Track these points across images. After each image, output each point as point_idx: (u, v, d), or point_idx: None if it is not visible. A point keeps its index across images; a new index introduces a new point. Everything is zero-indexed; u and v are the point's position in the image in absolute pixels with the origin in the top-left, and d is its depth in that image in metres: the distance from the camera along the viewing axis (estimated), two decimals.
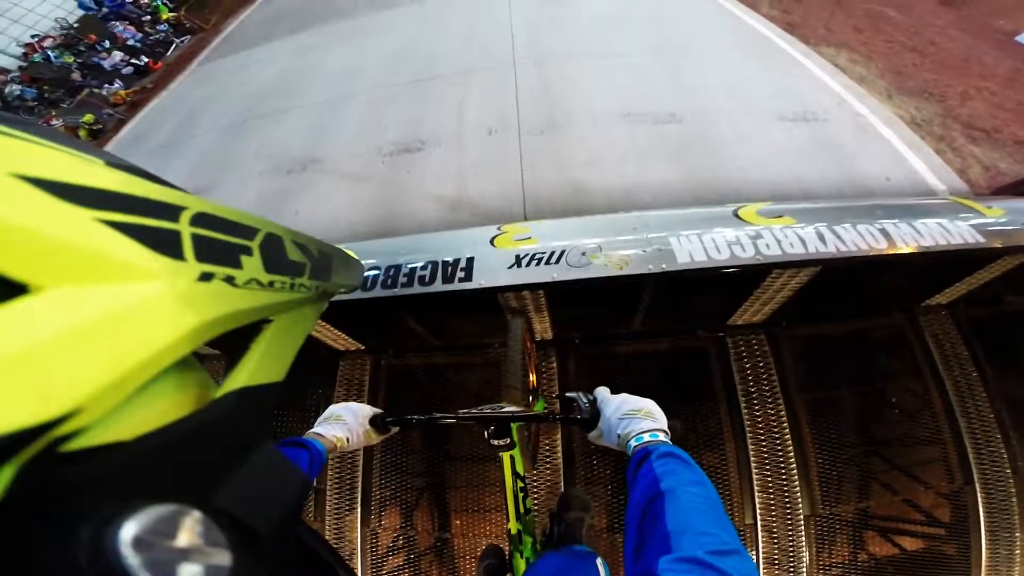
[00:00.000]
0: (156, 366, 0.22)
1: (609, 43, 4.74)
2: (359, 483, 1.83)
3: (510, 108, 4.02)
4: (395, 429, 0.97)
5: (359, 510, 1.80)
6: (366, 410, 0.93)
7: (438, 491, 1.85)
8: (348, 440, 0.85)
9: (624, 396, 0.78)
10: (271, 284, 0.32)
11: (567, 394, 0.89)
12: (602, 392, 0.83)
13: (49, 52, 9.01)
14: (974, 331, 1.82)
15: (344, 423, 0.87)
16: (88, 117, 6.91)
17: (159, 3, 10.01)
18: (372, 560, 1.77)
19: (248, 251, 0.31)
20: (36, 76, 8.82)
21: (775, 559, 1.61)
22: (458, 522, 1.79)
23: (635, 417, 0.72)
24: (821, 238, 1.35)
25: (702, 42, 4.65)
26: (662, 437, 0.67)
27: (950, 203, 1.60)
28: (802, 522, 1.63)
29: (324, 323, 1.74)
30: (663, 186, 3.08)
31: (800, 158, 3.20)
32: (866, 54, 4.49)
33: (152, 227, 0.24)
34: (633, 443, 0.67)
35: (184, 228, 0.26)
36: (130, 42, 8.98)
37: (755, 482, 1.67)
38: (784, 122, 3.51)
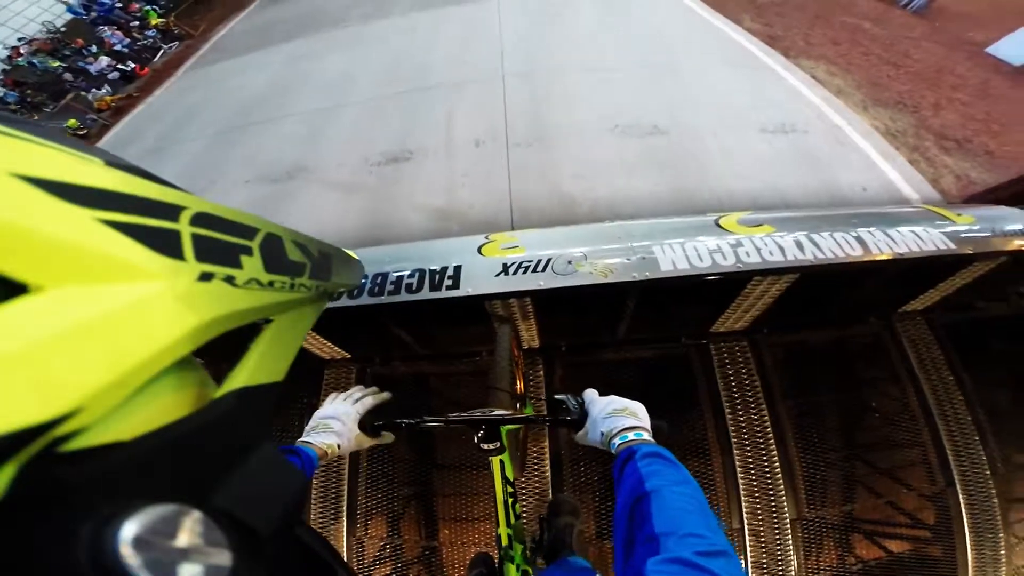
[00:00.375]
0: (156, 366, 0.22)
1: (596, 57, 4.85)
2: (344, 492, 1.80)
3: (499, 120, 4.07)
4: (387, 435, 0.96)
5: (344, 520, 1.77)
6: (354, 415, 0.92)
7: (425, 500, 1.83)
8: (339, 446, 0.85)
9: (611, 397, 0.80)
10: (271, 284, 0.32)
11: (556, 396, 0.91)
12: (590, 393, 0.85)
13: (32, 59, 8.86)
14: (949, 336, 1.88)
15: (333, 431, 0.86)
16: (72, 122, 6.83)
17: (148, 8, 9.95)
18: (358, 570, 1.74)
19: (248, 251, 0.31)
20: (20, 80, 8.68)
21: (763, 563, 1.62)
22: (446, 531, 1.77)
23: (619, 415, 0.73)
24: (799, 246, 1.38)
25: (687, 56, 4.78)
26: (645, 436, 0.68)
27: (923, 211, 1.64)
28: (788, 526, 1.64)
29: (309, 331, 1.73)
30: (648, 197, 3.15)
31: (780, 169, 3.30)
32: (844, 66, 4.64)
33: (152, 227, 0.24)
34: (617, 441, 0.68)
35: (184, 228, 0.26)
36: (117, 47, 8.90)
37: (741, 487, 1.68)
38: (765, 134, 3.61)
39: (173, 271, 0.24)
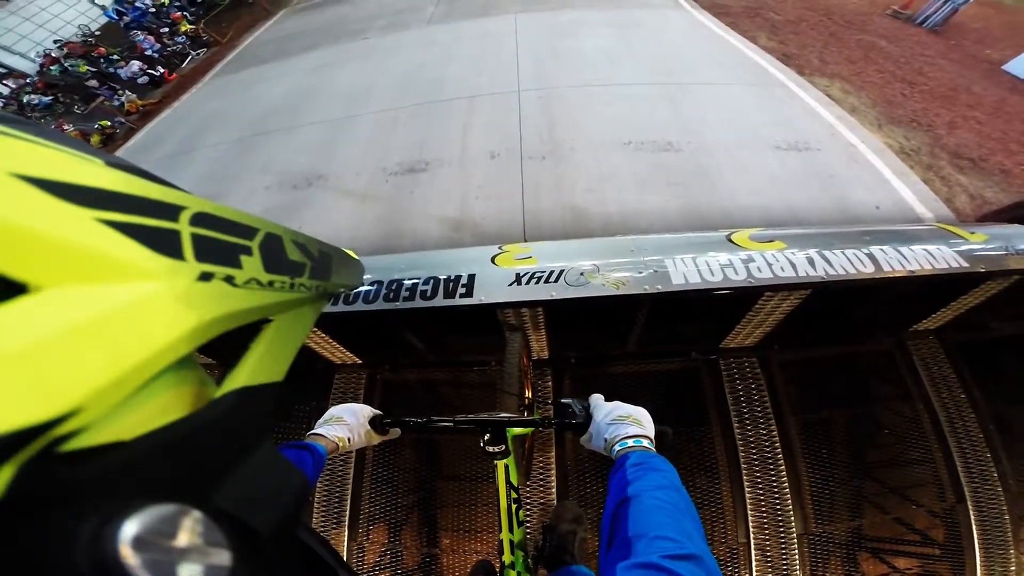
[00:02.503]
0: (156, 366, 0.22)
1: (611, 73, 4.90)
2: (348, 497, 1.81)
3: (513, 134, 4.13)
4: (394, 431, 1.00)
5: (347, 525, 1.78)
6: (366, 411, 0.96)
7: (428, 509, 1.83)
8: (349, 440, 0.88)
9: (616, 403, 0.82)
10: (271, 284, 0.32)
11: (562, 400, 0.93)
12: (596, 398, 0.87)
13: (65, 63, 9.21)
14: (962, 355, 1.87)
15: (345, 424, 0.89)
16: (104, 122, 7.06)
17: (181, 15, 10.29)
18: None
19: (248, 251, 0.31)
20: (51, 83, 9.03)
21: None
22: (447, 541, 1.77)
23: (623, 423, 0.75)
24: (811, 262, 1.38)
25: (701, 73, 4.81)
26: (646, 444, 0.70)
27: (935, 229, 1.63)
28: (795, 541, 1.63)
29: (322, 335, 1.76)
30: (660, 213, 3.16)
31: (793, 187, 3.30)
32: (858, 84, 4.63)
33: (151, 227, 0.24)
34: (617, 448, 0.70)
35: (184, 228, 0.26)
36: (148, 52, 9.19)
37: (748, 501, 1.67)
38: (778, 151, 3.61)
39: (173, 271, 0.24)
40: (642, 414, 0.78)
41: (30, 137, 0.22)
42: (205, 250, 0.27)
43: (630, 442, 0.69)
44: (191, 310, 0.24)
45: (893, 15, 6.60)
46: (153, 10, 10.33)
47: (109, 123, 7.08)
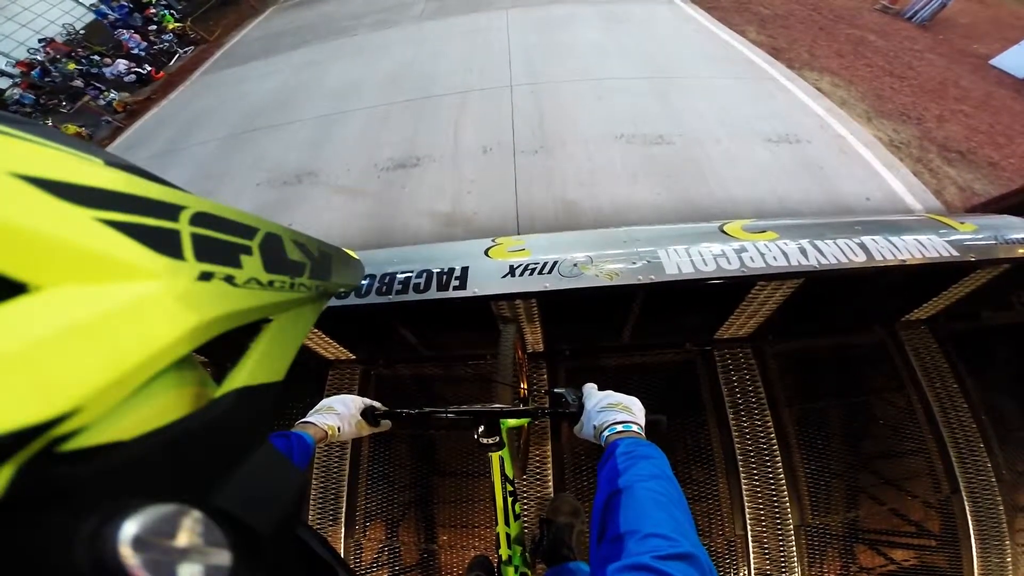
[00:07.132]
0: (155, 366, 0.22)
1: (602, 68, 4.90)
2: (344, 494, 1.80)
3: (505, 128, 4.11)
4: (385, 423, 0.99)
5: (343, 522, 1.77)
6: (358, 401, 0.96)
7: (425, 505, 1.82)
8: (339, 429, 0.88)
9: (608, 391, 0.81)
10: (271, 284, 0.32)
11: (555, 390, 0.92)
12: (589, 388, 0.86)
13: (49, 63, 9.04)
14: (953, 345, 1.88)
15: (336, 413, 0.89)
16: (71, 128, 6.96)
17: (165, 12, 10.15)
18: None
19: (248, 250, 0.31)
20: (34, 83, 8.87)
21: (767, 571, 1.60)
22: (445, 537, 1.76)
23: (612, 409, 0.74)
24: (803, 252, 1.39)
25: (692, 66, 4.82)
26: (635, 430, 0.69)
27: (926, 220, 1.65)
28: (792, 533, 1.63)
29: (315, 331, 1.74)
30: (652, 205, 3.17)
31: (784, 179, 3.31)
32: (848, 78, 4.67)
33: (151, 226, 0.24)
34: (606, 434, 0.69)
35: (184, 227, 0.26)
36: (135, 50, 9.04)
37: (744, 493, 1.68)
38: (769, 144, 3.63)
39: (173, 271, 0.24)
40: (632, 402, 0.77)
41: (30, 137, 0.22)
42: (205, 250, 0.27)
43: (619, 427, 0.69)
44: (191, 310, 0.24)
45: (882, 10, 6.65)
46: (138, 13, 10.16)
47: (82, 128, 6.98)
